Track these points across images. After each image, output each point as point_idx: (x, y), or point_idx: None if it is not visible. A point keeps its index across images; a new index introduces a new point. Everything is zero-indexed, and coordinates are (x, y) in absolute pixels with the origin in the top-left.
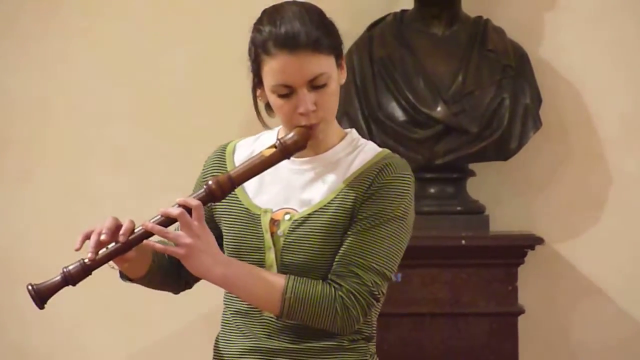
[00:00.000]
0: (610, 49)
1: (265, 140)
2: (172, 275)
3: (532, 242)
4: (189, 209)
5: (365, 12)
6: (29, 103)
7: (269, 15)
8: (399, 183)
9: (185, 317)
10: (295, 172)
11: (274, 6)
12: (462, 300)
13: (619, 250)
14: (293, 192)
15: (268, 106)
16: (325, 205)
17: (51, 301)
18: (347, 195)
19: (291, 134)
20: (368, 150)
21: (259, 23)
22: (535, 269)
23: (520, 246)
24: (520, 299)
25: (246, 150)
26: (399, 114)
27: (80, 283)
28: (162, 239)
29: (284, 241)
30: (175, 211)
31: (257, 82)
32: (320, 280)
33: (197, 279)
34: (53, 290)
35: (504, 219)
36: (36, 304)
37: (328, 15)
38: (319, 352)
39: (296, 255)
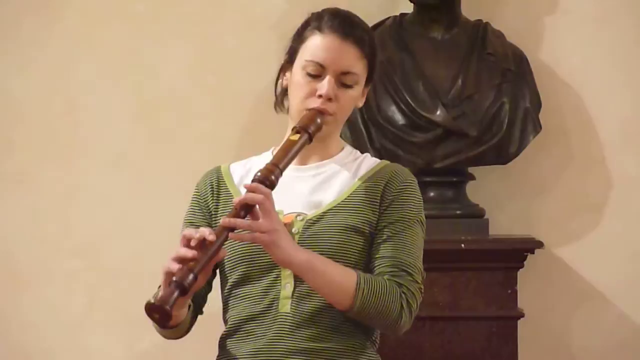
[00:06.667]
0: (610, 53)
1: (256, 163)
2: (194, 317)
3: (531, 245)
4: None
5: (364, 16)
6: (30, 105)
7: (330, 9)
8: (413, 189)
9: None
10: (301, 180)
11: (334, 7)
12: (461, 304)
13: (618, 254)
14: (300, 197)
15: (283, 94)
16: (337, 205)
17: (53, 302)
18: (359, 196)
19: (302, 118)
20: (370, 159)
21: (318, 12)
22: (535, 272)
23: (520, 250)
24: (520, 302)
25: (241, 169)
26: (399, 118)
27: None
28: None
29: (299, 240)
30: (257, 197)
31: (289, 60)
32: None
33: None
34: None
35: (504, 223)
36: (162, 321)
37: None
38: (334, 353)
39: None
